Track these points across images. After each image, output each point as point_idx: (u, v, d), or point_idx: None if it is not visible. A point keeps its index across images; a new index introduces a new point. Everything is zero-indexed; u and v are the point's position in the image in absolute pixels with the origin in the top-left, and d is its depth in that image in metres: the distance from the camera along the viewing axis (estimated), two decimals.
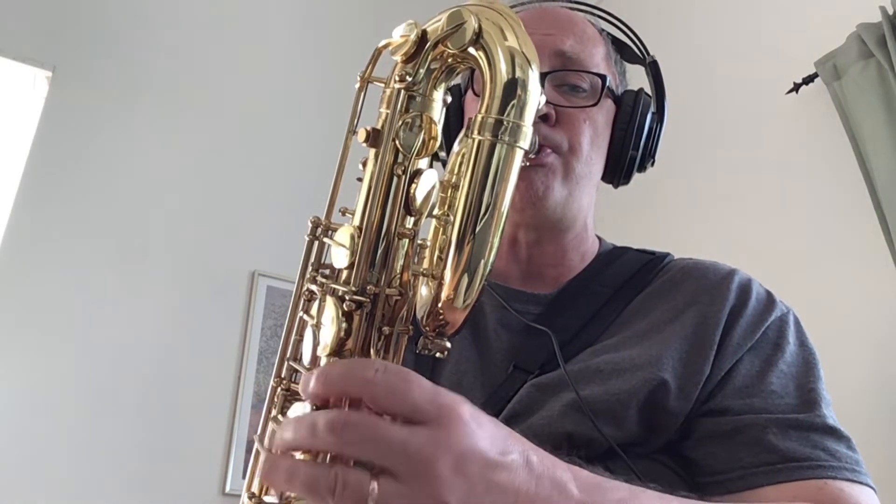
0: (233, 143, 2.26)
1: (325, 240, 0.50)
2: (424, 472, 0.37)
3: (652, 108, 0.78)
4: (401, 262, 0.46)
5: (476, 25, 0.44)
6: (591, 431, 0.59)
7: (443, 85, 0.47)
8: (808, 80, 1.83)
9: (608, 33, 0.82)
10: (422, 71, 0.46)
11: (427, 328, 0.46)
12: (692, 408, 0.62)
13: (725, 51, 2.15)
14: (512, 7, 0.79)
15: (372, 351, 0.44)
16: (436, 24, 0.46)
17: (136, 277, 2.01)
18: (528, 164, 0.45)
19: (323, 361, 0.45)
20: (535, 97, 0.44)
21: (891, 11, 1.65)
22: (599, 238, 0.81)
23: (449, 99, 0.49)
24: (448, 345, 0.46)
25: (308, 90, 2.41)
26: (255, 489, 0.49)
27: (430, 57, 0.46)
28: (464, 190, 0.44)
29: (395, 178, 0.45)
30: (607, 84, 0.74)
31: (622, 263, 0.76)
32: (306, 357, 0.47)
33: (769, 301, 0.68)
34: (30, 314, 1.86)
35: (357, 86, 0.51)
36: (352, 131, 0.50)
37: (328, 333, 0.44)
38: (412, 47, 0.45)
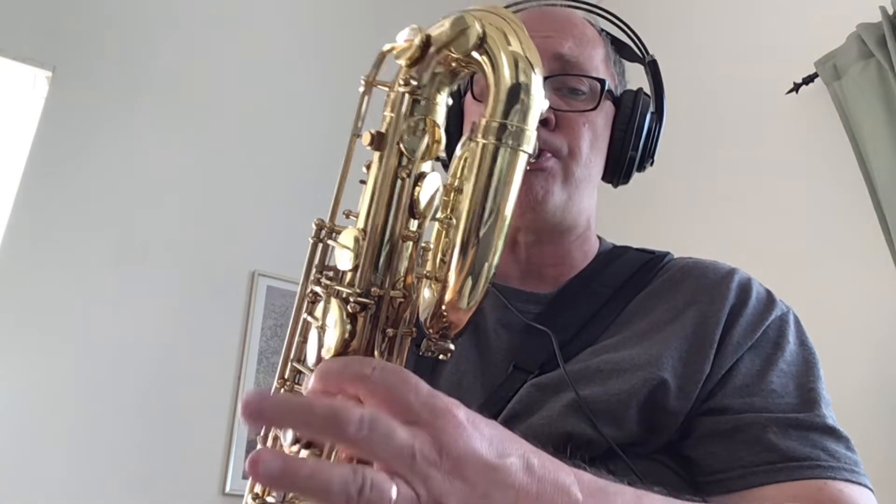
0: (233, 143, 2.26)
1: (329, 242, 0.50)
2: (423, 474, 0.37)
3: (651, 108, 0.78)
4: (405, 264, 0.46)
5: (480, 30, 0.44)
6: (590, 431, 0.59)
7: (446, 89, 0.47)
8: (808, 80, 1.83)
9: (607, 33, 0.82)
10: (426, 75, 0.46)
11: (430, 330, 0.46)
12: (692, 407, 0.62)
13: (725, 51, 2.14)
14: (511, 6, 0.80)
15: (376, 353, 0.44)
16: (440, 29, 0.46)
17: (136, 277, 2.01)
18: (528, 168, 0.46)
19: None
20: (539, 102, 0.45)
21: (891, 11, 1.65)
22: (599, 238, 0.81)
23: (450, 102, 0.49)
24: (451, 346, 0.46)
25: (308, 90, 2.41)
26: (258, 489, 0.49)
27: (434, 61, 0.46)
28: (468, 194, 0.44)
29: (399, 182, 0.45)
30: (606, 87, 0.74)
31: (622, 263, 0.76)
32: (311, 359, 0.47)
33: (769, 300, 0.69)
34: (30, 314, 1.86)
35: (361, 89, 0.51)
36: (356, 134, 0.50)
37: (332, 335, 0.44)
38: (416, 52, 0.45)
